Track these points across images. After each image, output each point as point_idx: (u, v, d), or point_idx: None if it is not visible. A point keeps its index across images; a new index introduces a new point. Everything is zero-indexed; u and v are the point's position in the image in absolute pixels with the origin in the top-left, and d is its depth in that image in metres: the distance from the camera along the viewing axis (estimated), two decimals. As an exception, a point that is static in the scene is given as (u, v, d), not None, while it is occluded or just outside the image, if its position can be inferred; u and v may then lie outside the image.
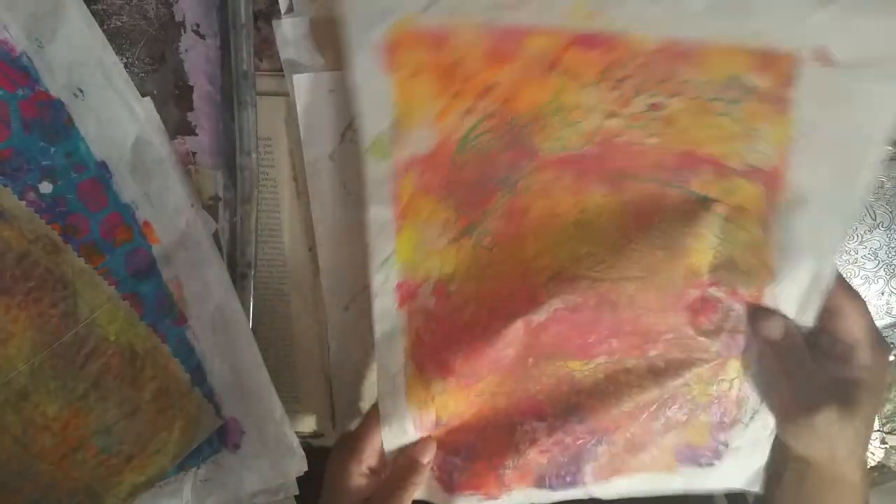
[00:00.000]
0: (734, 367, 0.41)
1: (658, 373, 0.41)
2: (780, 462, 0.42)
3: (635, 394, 0.41)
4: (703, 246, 0.38)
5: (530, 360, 0.41)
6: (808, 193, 0.36)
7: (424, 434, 0.42)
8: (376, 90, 0.36)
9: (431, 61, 0.36)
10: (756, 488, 0.44)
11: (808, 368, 0.38)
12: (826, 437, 0.38)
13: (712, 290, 0.39)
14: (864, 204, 0.36)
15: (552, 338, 0.40)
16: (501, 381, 0.42)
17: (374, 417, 0.42)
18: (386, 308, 0.40)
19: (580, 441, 0.42)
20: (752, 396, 0.42)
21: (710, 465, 0.43)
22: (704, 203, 0.37)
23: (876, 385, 0.39)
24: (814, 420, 0.38)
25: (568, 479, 0.43)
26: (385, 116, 0.37)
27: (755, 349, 0.40)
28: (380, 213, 0.38)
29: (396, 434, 0.42)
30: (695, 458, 0.43)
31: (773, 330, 0.38)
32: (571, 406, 0.42)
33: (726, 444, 0.43)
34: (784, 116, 0.35)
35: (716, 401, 0.42)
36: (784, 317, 0.38)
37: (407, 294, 0.40)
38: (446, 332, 0.41)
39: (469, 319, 0.40)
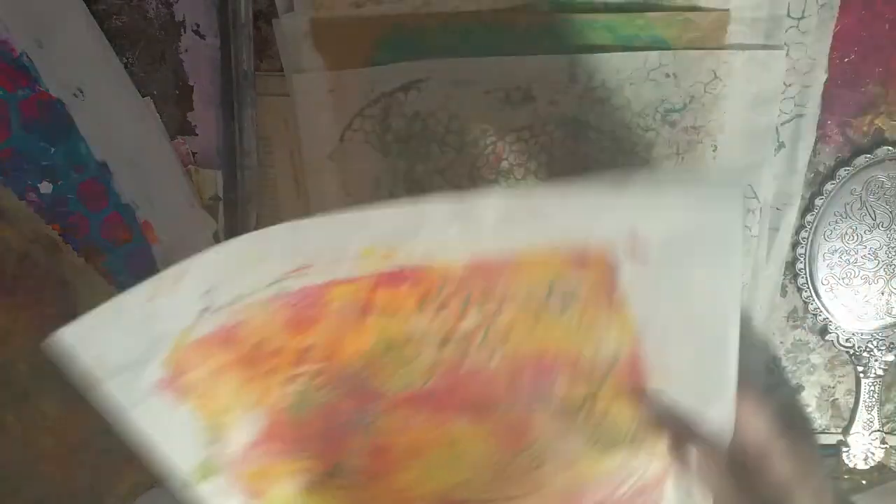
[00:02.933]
0: None
1: None
2: None
3: None
4: (589, 453, 0.35)
5: None
6: (671, 377, 0.33)
7: None
8: (175, 428, 0.32)
9: (228, 359, 0.32)
10: None
11: (732, 490, 0.30)
12: None
13: (621, 491, 0.35)
14: (736, 377, 0.31)
15: None
16: None
17: None
18: None
19: None
20: None
21: None
22: (573, 415, 0.34)
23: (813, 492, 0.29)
24: None
25: None
26: (197, 446, 0.33)
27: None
28: None
29: None
30: None
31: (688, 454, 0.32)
32: None
33: None
34: (620, 313, 0.31)
35: None
36: (701, 438, 0.32)
37: None
38: None
39: None
